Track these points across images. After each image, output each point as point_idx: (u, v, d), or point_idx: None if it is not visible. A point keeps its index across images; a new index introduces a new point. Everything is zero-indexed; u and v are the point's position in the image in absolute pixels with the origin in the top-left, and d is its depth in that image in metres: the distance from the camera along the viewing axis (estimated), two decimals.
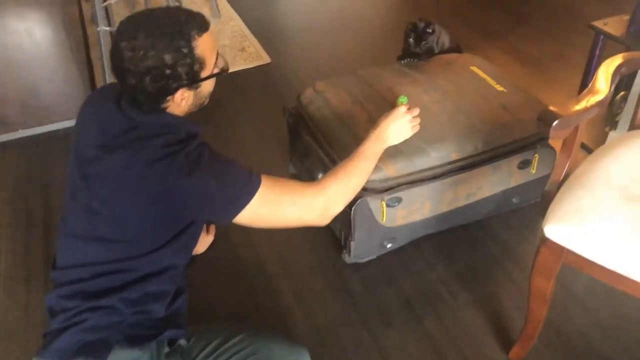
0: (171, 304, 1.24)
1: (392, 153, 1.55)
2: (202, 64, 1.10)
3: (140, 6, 3.24)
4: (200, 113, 2.52)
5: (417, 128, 1.43)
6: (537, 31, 3.06)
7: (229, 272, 1.76)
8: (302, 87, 1.95)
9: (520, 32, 3.05)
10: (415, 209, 1.68)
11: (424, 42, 1.90)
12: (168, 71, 1.06)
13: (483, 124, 1.64)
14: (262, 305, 1.66)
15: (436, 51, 1.97)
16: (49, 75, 2.30)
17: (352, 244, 1.69)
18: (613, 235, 1.10)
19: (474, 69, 1.89)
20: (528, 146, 1.70)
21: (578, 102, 1.18)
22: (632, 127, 1.41)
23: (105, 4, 2.79)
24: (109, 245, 1.13)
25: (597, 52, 1.99)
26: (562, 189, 1.23)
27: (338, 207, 1.26)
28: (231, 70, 2.82)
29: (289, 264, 1.79)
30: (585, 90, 1.22)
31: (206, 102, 1.23)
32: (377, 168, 1.52)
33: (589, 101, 1.18)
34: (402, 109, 1.40)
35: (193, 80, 1.11)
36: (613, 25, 1.95)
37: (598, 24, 1.95)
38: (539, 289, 1.29)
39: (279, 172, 2.11)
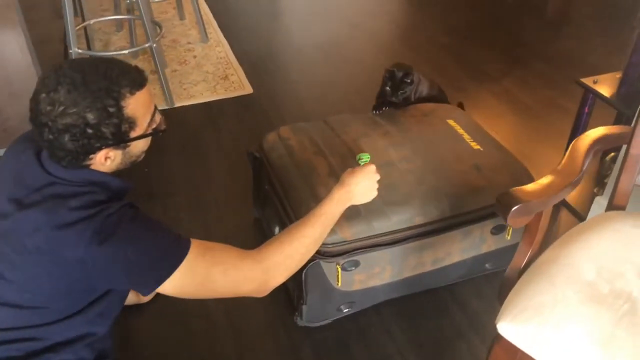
0: None
1: (348, 215, 1.41)
2: (132, 123, 1.01)
3: (126, 29, 3.16)
4: (171, 140, 2.41)
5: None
6: (533, 77, 2.93)
7: (172, 325, 1.63)
8: (281, 123, 1.84)
9: (516, 76, 2.93)
10: (375, 274, 1.55)
11: (401, 92, 1.79)
12: (90, 130, 0.96)
13: (452, 187, 1.51)
14: None
15: (412, 99, 1.86)
16: (14, 98, 2.20)
17: (304, 307, 1.56)
18: (573, 344, 0.96)
19: (451, 122, 1.77)
20: None
21: (542, 185, 1.05)
22: (610, 206, 1.28)
23: (84, 24, 2.71)
24: (16, 311, 1.02)
25: (586, 110, 1.86)
26: (522, 279, 1.10)
27: (279, 280, 1.14)
28: (211, 99, 2.76)
29: (237, 320, 1.65)
30: (552, 171, 1.10)
31: (140, 159, 1.13)
32: (331, 230, 1.39)
33: (556, 185, 1.05)
34: (372, 167, 1.29)
35: (120, 141, 1.01)
36: (605, 83, 1.82)
37: (587, 81, 1.83)
38: None
39: (244, 213, 2.01)
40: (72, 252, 0.95)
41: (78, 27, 2.61)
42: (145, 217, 1.03)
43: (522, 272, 1.13)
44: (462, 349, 1.57)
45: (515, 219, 1.02)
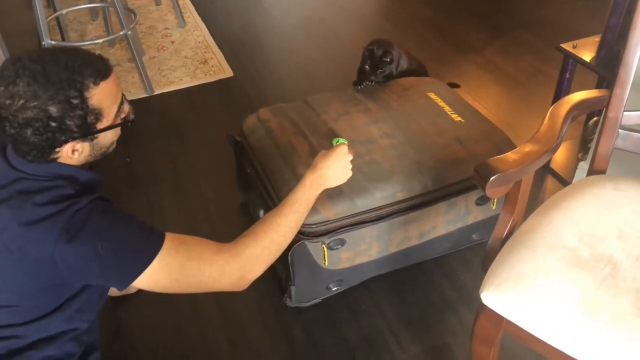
0: None
1: (331, 194, 1.41)
2: (98, 115, 0.98)
3: (101, 18, 3.10)
4: (153, 128, 2.39)
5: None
6: (515, 45, 2.91)
7: (162, 314, 1.62)
8: (263, 105, 1.81)
9: (498, 46, 2.91)
10: (362, 251, 1.54)
11: (380, 71, 1.76)
12: (53, 124, 0.93)
13: (434, 160, 1.50)
14: (193, 355, 1.52)
15: (394, 74, 1.84)
16: None
17: (293, 289, 1.55)
18: (556, 310, 0.96)
19: (432, 95, 1.75)
20: None
21: (520, 153, 1.04)
22: (591, 171, 1.28)
23: (56, 14, 2.65)
24: None
25: (567, 76, 1.85)
26: (504, 249, 1.09)
27: (257, 273, 1.12)
28: (191, 84, 2.73)
29: (227, 305, 1.64)
30: (530, 139, 1.09)
31: (111, 150, 1.09)
32: (313, 210, 1.38)
33: (534, 152, 1.05)
34: (343, 149, 1.26)
35: (86, 133, 0.98)
36: (584, 48, 1.81)
37: (567, 46, 1.81)
38: (480, 357, 1.15)
39: (230, 198, 1.99)
40: (41, 251, 0.93)
41: (50, 18, 2.56)
42: (116, 211, 1.01)
43: (504, 241, 1.13)
44: (452, 321, 1.58)
45: (494, 189, 1.01)
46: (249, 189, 1.73)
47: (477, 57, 2.82)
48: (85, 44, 2.83)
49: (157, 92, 2.60)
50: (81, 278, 1.01)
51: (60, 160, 1.01)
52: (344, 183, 1.42)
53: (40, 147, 0.95)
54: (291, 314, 1.61)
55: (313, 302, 1.62)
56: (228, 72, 2.72)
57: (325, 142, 1.55)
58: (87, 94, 0.94)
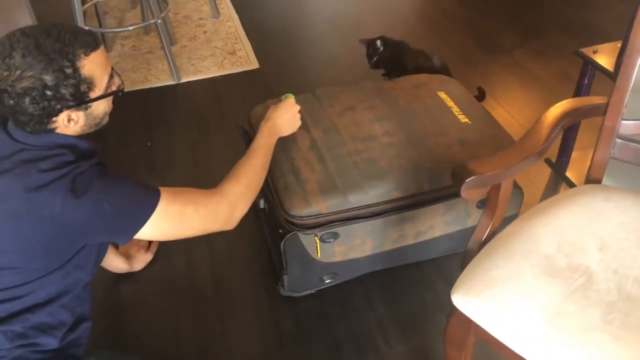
0: (68, 333, 1.17)
1: (324, 188, 1.42)
2: (90, 84, 1.05)
3: (138, 6, 3.19)
4: (175, 115, 2.47)
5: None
6: (548, 48, 2.83)
7: (160, 293, 1.68)
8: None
9: (529, 47, 2.83)
10: (356, 245, 1.55)
11: (374, 60, 1.95)
12: (49, 92, 1.00)
13: (433, 161, 1.49)
14: (185, 333, 1.57)
15: (408, 70, 1.85)
16: None
17: (286, 278, 1.58)
18: (522, 317, 0.95)
19: (442, 95, 1.73)
20: None
21: (500, 157, 1.03)
22: (587, 179, 1.24)
23: (93, 2, 2.76)
24: None
25: (585, 82, 1.79)
26: (481, 252, 1.08)
27: (243, 210, 1.27)
28: (217, 74, 2.79)
29: (223, 288, 1.69)
30: (517, 141, 1.07)
31: (105, 122, 1.17)
32: (305, 203, 1.41)
33: (513, 157, 1.03)
34: (290, 101, 1.50)
35: (81, 101, 1.05)
36: (605, 53, 1.74)
37: (587, 51, 1.75)
38: (452, 359, 1.15)
39: None
40: (50, 210, 0.99)
41: (87, 5, 2.66)
42: (114, 173, 1.10)
43: (484, 244, 1.12)
44: (442, 322, 1.55)
45: (469, 191, 1.00)
46: None
47: (506, 58, 2.75)
48: (118, 31, 2.94)
49: (183, 80, 2.67)
50: (86, 234, 1.07)
51: (57, 130, 1.07)
52: (339, 178, 1.44)
53: (38, 116, 1.02)
54: (284, 303, 1.64)
55: (306, 292, 1.64)
56: (254, 64, 2.76)
57: (326, 136, 1.57)
58: (78, 64, 1.01)
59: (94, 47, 1.05)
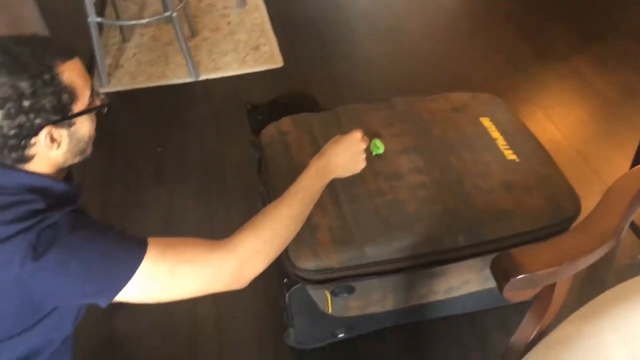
0: None
1: (337, 237, 1.19)
2: (72, 94, 0.90)
3: None
4: (191, 116, 2.21)
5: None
6: (612, 56, 2.48)
7: (157, 328, 1.51)
8: None
9: (590, 54, 2.49)
10: (375, 301, 1.33)
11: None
12: (26, 102, 0.85)
13: (471, 209, 1.24)
14: None
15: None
16: None
17: (291, 330, 1.38)
18: None
19: (485, 122, 1.47)
20: (535, 240, 1.28)
21: (557, 248, 0.78)
22: None
23: None
24: None
25: None
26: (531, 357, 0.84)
27: (257, 269, 1.01)
28: (238, 72, 2.57)
29: (226, 330, 1.51)
30: (576, 227, 0.82)
31: (89, 152, 0.99)
32: (313, 254, 1.18)
33: (576, 249, 0.78)
34: (356, 135, 1.17)
35: (64, 115, 0.90)
36: None
37: None
38: None
39: (253, 207, 1.83)
40: (7, 273, 0.84)
41: None
42: (90, 224, 0.92)
43: (530, 346, 0.88)
44: None
45: (515, 292, 0.76)
46: (262, 203, 1.55)
47: (562, 66, 2.43)
48: (132, 23, 2.75)
49: (202, 77, 2.47)
50: (54, 299, 0.92)
51: (35, 163, 0.91)
52: (355, 225, 1.21)
53: (15, 137, 0.86)
54: (290, 355, 1.44)
55: (316, 345, 1.43)
56: (278, 62, 2.53)
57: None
58: (56, 70, 0.87)
59: (69, 56, 0.91)
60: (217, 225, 1.79)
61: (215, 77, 2.47)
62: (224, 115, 2.26)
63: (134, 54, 2.65)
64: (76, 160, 0.98)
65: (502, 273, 0.75)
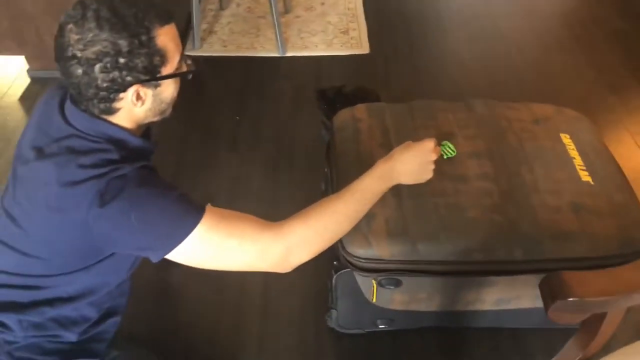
0: (91, 328, 1.11)
1: (392, 229, 1.20)
2: (163, 57, 0.94)
3: None
4: (271, 89, 2.39)
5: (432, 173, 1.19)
6: None
7: (207, 287, 1.58)
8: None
9: None
10: (420, 299, 1.33)
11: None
12: (122, 60, 0.90)
13: (534, 225, 1.21)
14: (221, 339, 1.47)
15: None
16: None
17: (334, 312, 1.41)
18: None
19: (565, 139, 1.41)
20: (600, 267, 1.22)
21: (614, 277, 0.75)
22: None
23: None
24: (21, 257, 1.01)
25: None
26: None
27: (302, 257, 1.03)
28: (324, 52, 2.59)
29: (272, 301, 1.56)
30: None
31: (168, 113, 1.04)
32: (365, 242, 1.20)
33: (634, 282, 0.75)
34: (428, 145, 1.13)
35: (152, 76, 0.94)
36: None
37: None
38: None
39: (316, 183, 1.86)
40: (76, 213, 0.91)
41: None
42: (158, 182, 0.97)
43: None
44: None
45: (560, 313, 0.75)
46: (326, 183, 1.58)
47: None
48: None
49: (289, 54, 2.52)
50: (112, 245, 0.99)
51: (120, 115, 0.97)
52: (413, 219, 1.22)
53: (106, 89, 0.92)
54: (329, 336, 1.47)
55: (355, 331, 1.46)
56: (365, 48, 2.53)
57: None
58: (153, 33, 0.92)
59: (167, 20, 0.95)
60: (279, 198, 1.85)
61: (300, 55, 2.52)
62: (303, 94, 2.30)
63: (228, 22, 2.74)
64: (156, 119, 1.03)
65: (550, 292, 0.73)
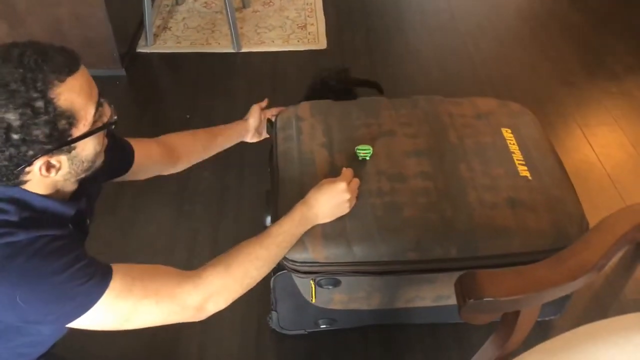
0: None
1: (328, 231, 1.18)
2: (71, 118, 0.80)
3: None
4: (224, 85, 2.36)
5: (354, 201, 1.19)
6: None
7: None
8: None
9: None
10: (360, 298, 1.32)
11: None
12: (16, 136, 0.76)
13: (470, 222, 1.20)
14: (160, 350, 1.43)
15: None
16: (72, 18, 2.16)
17: (274, 314, 1.39)
18: None
19: (506, 133, 1.41)
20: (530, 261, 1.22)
21: (526, 276, 0.74)
22: None
23: None
24: None
25: None
26: None
27: (219, 305, 0.99)
28: (280, 48, 2.56)
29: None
30: (554, 257, 0.78)
31: (98, 163, 0.90)
32: (301, 245, 1.18)
33: (546, 280, 0.74)
34: (341, 185, 1.14)
35: (61, 142, 0.80)
36: None
37: None
38: None
39: (266, 181, 1.83)
40: None
41: None
42: (57, 254, 0.82)
43: None
44: None
45: (473, 314, 0.73)
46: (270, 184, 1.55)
47: (612, 85, 2.30)
48: None
49: (244, 49, 2.48)
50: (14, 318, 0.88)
51: (30, 183, 0.83)
52: (350, 223, 1.20)
53: (5, 168, 0.79)
54: (271, 338, 1.45)
55: (298, 332, 1.44)
56: (322, 44, 2.51)
57: (348, 163, 1.31)
58: (51, 94, 0.77)
59: (70, 69, 0.79)
60: (228, 198, 1.82)
61: (256, 50, 2.48)
62: (256, 90, 2.27)
63: (183, 18, 2.69)
64: (82, 175, 0.89)
65: (463, 292, 0.72)
